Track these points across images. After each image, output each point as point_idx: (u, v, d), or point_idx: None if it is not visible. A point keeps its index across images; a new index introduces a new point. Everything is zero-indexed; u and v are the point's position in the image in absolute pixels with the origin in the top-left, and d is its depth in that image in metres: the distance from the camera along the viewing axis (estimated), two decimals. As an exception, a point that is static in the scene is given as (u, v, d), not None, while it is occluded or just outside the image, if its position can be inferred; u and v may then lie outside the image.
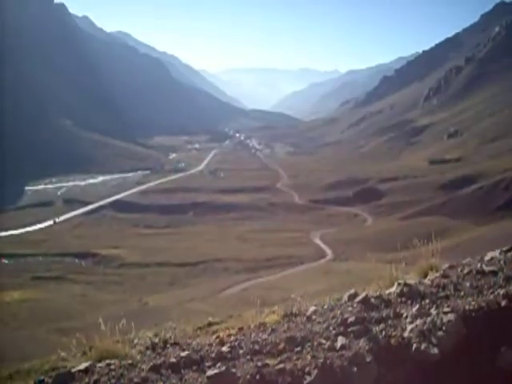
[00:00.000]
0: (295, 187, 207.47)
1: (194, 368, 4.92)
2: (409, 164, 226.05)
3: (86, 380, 4.92)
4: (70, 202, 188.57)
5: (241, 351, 5.15)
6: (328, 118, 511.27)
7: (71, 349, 6.69)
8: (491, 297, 5.83)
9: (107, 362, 5.26)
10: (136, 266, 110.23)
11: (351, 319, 5.55)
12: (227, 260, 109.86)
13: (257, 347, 5.19)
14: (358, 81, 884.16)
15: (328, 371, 4.67)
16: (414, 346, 5.05)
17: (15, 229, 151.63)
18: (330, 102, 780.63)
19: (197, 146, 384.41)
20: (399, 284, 6.42)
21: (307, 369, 4.68)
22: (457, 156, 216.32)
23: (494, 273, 6.67)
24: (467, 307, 5.60)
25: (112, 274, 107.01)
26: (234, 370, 4.69)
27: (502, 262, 7.11)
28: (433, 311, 5.57)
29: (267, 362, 4.82)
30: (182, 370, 4.90)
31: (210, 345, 5.47)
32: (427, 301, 5.94)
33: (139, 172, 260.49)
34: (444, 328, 5.22)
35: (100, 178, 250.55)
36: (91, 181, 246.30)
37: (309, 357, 4.85)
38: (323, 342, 5.15)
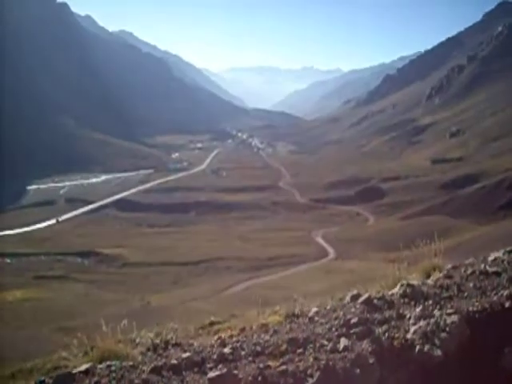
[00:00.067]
0: (297, 186, 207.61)
1: (196, 370, 4.88)
2: (411, 163, 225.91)
3: (87, 381, 4.89)
4: (73, 201, 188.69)
5: (242, 352, 5.11)
6: (330, 117, 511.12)
7: (73, 348, 6.67)
8: (495, 298, 5.79)
9: (108, 363, 5.23)
10: (139, 265, 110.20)
11: (354, 320, 5.51)
12: (229, 259, 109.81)
13: (259, 348, 5.15)
14: (360, 80, 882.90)
15: (330, 373, 4.63)
16: (418, 347, 5.01)
17: (18, 228, 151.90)
18: (332, 101, 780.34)
19: (199, 145, 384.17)
20: (402, 285, 6.39)
21: (309, 371, 4.63)
22: (459, 155, 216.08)
23: (498, 274, 6.64)
24: (471, 308, 5.56)
25: (115, 273, 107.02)
26: (235, 372, 4.65)
27: (505, 263, 7.07)
28: (436, 312, 5.53)
29: (269, 363, 4.78)
30: (183, 372, 4.86)
31: (212, 346, 5.43)
32: (430, 302, 5.91)
33: (142, 171, 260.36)
34: (447, 329, 5.18)
35: (102, 177, 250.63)
36: (93, 180, 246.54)
37: (311, 358, 4.81)
38: (325, 343, 5.11)
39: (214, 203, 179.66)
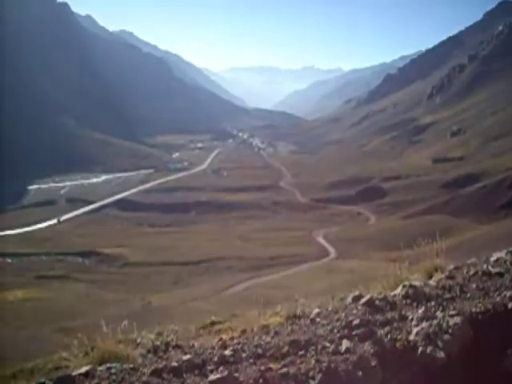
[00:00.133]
0: (298, 186, 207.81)
1: (196, 372, 4.83)
2: (412, 163, 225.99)
3: (87, 384, 4.86)
4: (73, 201, 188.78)
5: (243, 355, 5.06)
6: (331, 117, 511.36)
7: (73, 349, 6.65)
8: (498, 299, 5.74)
9: (108, 365, 5.19)
10: (139, 265, 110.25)
11: (356, 322, 5.46)
12: (230, 259, 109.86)
13: (260, 351, 5.10)
14: (361, 79, 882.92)
15: (332, 375, 4.59)
16: (420, 349, 4.96)
17: (18, 228, 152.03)
18: (332, 101, 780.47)
19: (200, 144, 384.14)
20: (404, 286, 6.34)
21: (311, 373, 4.59)
22: (460, 154, 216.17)
23: (501, 274, 6.59)
24: (473, 310, 5.52)
25: (115, 273, 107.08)
26: (236, 375, 4.61)
27: (508, 263, 7.03)
28: (439, 314, 5.49)
29: (270, 365, 4.73)
30: (184, 375, 4.81)
31: (213, 348, 5.39)
32: (433, 303, 5.86)
33: (142, 171, 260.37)
34: (450, 331, 5.14)
35: (103, 177, 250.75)
36: (94, 180, 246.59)
37: (313, 361, 4.77)
38: (327, 345, 5.07)
39: (214, 203, 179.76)
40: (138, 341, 6.62)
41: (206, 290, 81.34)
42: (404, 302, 6.04)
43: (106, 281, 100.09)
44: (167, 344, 5.84)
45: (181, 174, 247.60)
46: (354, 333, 5.27)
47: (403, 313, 5.68)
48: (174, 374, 4.84)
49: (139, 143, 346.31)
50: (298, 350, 5.04)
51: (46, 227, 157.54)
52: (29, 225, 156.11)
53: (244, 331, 5.97)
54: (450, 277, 6.81)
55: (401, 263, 7.71)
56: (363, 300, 6.10)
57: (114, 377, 4.88)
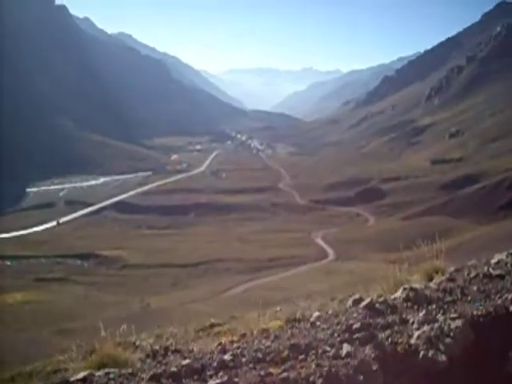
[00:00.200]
0: (297, 187, 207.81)
1: (195, 377, 4.79)
2: (410, 164, 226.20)
3: (85, 389, 4.82)
4: (72, 204, 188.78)
5: (243, 359, 5.02)
6: (329, 119, 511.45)
7: (72, 352, 6.63)
8: (499, 301, 5.71)
9: (106, 370, 5.15)
10: (138, 267, 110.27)
11: (356, 325, 5.42)
12: (229, 261, 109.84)
13: (260, 355, 5.06)
14: (360, 81, 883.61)
15: (333, 380, 4.55)
16: (422, 352, 4.92)
17: (17, 230, 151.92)
18: (331, 102, 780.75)
19: (198, 146, 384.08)
20: (405, 289, 6.31)
21: (312, 378, 4.55)
22: (458, 156, 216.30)
23: (502, 276, 6.57)
24: (475, 312, 5.48)
25: (114, 275, 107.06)
26: (236, 380, 4.57)
27: (509, 265, 7.00)
28: (440, 317, 5.46)
29: (270, 370, 4.69)
30: (183, 380, 4.77)
31: (212, 352, 5.35)
32: (434, 306, 5.83)
33: (140, 173, 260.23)
34: (452, 334, 5.10)
35: (101, 179, 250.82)
36: (93, 182, 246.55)
37: (313, 365, 4.73)
38: (328, 349, 5.02)
39: (213, 205, 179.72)
40: (137, 343, 6.59)
41: (204, 291, 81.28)
42: (405, 305, 6.00)
43: (104, 283, 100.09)
44: (166, 348, 5.80)
45: (179, 176, 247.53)
46: (354, 336, 5.23)
47: (404, 316, 5.64)
48: (173, 380, 4.80)
49: (138, 145, 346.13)
50: (299, 354, 5.00)
51: (45, 230, 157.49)
52: (28, 227, 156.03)
53: (244, 335, 5.93)
54: (451, 279, 6.78)
55: (400, 265, 7.69)
56: (364, 303, 6.06)
57: (112, 382, 4.85)
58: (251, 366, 4.89)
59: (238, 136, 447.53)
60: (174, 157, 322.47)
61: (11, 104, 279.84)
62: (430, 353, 4.90)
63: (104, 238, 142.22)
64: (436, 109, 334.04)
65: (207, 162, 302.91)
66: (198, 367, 4.96)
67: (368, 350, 4.95)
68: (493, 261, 7.43)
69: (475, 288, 6.27)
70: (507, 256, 7.48)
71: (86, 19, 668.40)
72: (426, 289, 6.46)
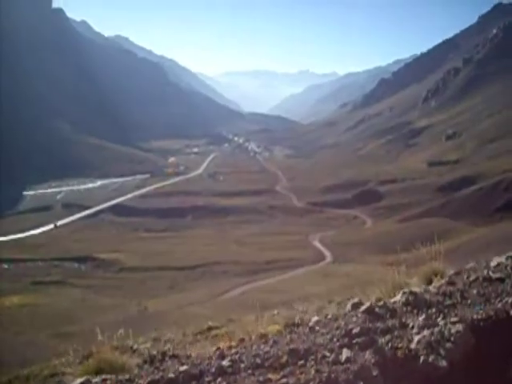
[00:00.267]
0: (294, 190, 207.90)
1: (193, 384, 4.75)
2: (407, 166, 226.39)
3: (81, 396, 4.76)
4: (69, 207, 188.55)
5: (242, 365, 4.96)
6: (326, 121, 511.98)
7: (69, 356, 6.59)
8: (499, 305, 5.66)
9: (103, 376, 5.09)
10: (135, 270, 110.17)
11: (356, 330, 5.37)
12: (226, 263, 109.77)
13: (258, 361, 5.00)
14: (356, 83, 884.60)
15: (333, 386, 4.50)
16: (422, 357, 4.87)
17: (14, 233, 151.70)
18: (328, 105, 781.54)
19: (195, 149, 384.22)
20: (404, 292, 6.25)
21: (311, 383, 4.51)
22: (455, 158, 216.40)
23: (502, 280, 6.52)
24: (475, 316, 5.43)
25: (111, 278, 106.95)
26: (234, 386, 4.52)
27: (509, 269, 6.95)
28: (440, 321, 5.40)
29: (269, 376, 4.64)
30: (181, 386, 4.73)
31: (210, 358, 5.29)
32: (434, 310, 5.77)
33: (138, 176, 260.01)
34: (452, 339, 5.05)
35: (99, 182, 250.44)
36: (90, 185, 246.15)
37: (312, 371, 4.67)
38: (327, 354, 4.97)
39: (210, 207, 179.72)
40: (135, 347, 6.54)
41: (202, 294, 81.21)
42: (404, 309, 5.95)
43: (102, 286, 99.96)
44: (164, 353, 5.75)
45: (177, 179, 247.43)
46: (354, 341, 5.18)
47: (404, 320, 5.59)
48: (171, 386, 4.75)
49: (135, 148, 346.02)
50: (298, 359, 4.95)
51: (42, 233, 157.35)
52: (25, 230, 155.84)
53: (242, 340, 5.88)
54: (451, 283, 6.73)
55: (398, 267, 7.65)
56: (363, 307, 6.01)
57: (109, 388, 4.80)
58: (250, 372, 4.83)
59: (235, 139, 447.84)
60: (172, 159, 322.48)
61: (9, 107, 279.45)
62: (431, 358, 4.85)
63: (101, 240, 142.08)
64: (433, 111, 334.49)
65: (204, 164, 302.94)
66: (196, 373, 4.90)
67: (368, 355, 4.90)
68: (492, 264, 7.38)
69: (475, 291, 6.23)
70: (507, 259, 7.43)
71: (83, 22, 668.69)
72: (426, 292, 6.41)
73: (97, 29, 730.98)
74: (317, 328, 5.78)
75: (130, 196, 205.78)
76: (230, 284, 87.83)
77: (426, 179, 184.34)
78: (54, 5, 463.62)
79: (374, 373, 4.66)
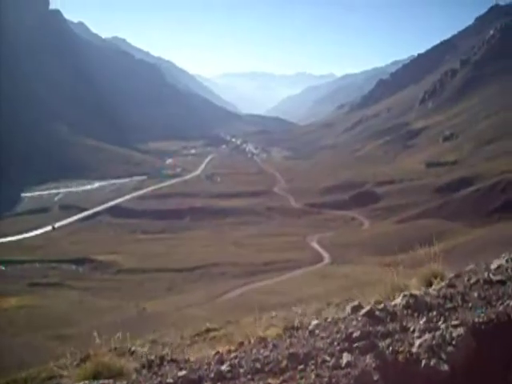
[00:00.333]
0: (292, 191, 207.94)
1: (193, 389, 4.69)
2: (405, 167, 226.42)
3: (79, 401, 4.71)
4: (67, 209, 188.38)
5: (241, 370, 4.90)
6: (324, 122, 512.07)
7: (67, 359, 6.55)
8: (500, 308, 5.62)
9: (101, 381, 5.04)
10: (133, 272, 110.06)
11: (356, 334, 5.31)
12: (224, 265, 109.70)
13: (258, 365, 4.94)
14: (354, 84, 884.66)
15: (333, 391, 4.45)
16: (423, 362, 4.82)
17: (12, 235, 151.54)
18: (325, 106, 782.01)
19: (193, 150, 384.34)
20: (405, 295, 6.20)
21: (311, 389, 4.45)
22: (453, 159, 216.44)
23: (503, 282, 6.47)
24: (476, 320, 5.39)
25: (109, 280, 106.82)
26: (234, 391, 4.47)
27: (509, 271, 6.91)
28: (441, 324, 5.35)
29: (269, 381, 4.58)
30: (180, 392, 4.67)
31: (209, 363, 5.23)
32: (434, 313, 5.73)
33: (135, 177, 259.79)
34: (454, 343, 5.00)
35: (96, 184, 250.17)
36: (88, 187, 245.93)
37: (313, 375, 4.62)
38: (327, 358, 4.91)
39: (208, 209, 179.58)
40: (133, 349, 6.50)
41: (200, 296, 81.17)
42: (405, 312, 5.90)
43: (99, 288, 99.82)
44: (162, 358, 5.68)
45: (174, 181, 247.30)
46: (354, 345, 5.12)
47: (404, 324, 5.54)
48: (170, 391, 4.69)
49: (132, 150, 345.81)
50: (298, 364, 4.89)
51: (40, 234, 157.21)
52: (22, 232, 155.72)
53: (241, 344, 5.82)
54: (451, 285, 6.69)
55: (396, 268, 7.60)
56: (363, 311, 5.95)
57: (106, 394, 4.74)
58: (249, 376, 4.77)
59: (233, 140, 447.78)
60: (169, 161, 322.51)
61: (8, 109, 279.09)
62: (432, 362, 4.80)
63: (99, 242, 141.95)
64: (430, 112, 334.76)
65: (202, 166, 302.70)
66: (194, 378, 4.84)
67: (369, 359, 4.84)
68: (493, 266, 7.34)
69: (476, 294, 6.18)
70: (507, 261, 7.39)
71: (81, 24, 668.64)
72: (426, 295, 6.36)
73: (94, 30, 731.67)
74: (317, 331, 5.72)
75: (127, 197, 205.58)
76: (228, 285, 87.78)
77: (423, 180, 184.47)
78: (51, 6, 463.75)
79: (375, 377, 4.60)
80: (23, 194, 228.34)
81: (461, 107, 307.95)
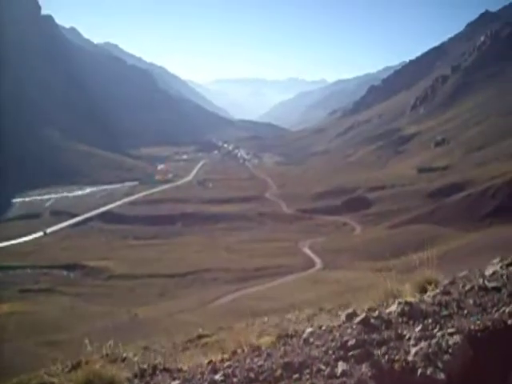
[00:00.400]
0: (284, 197, 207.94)
1: (186, 400, 4.62)
2: (397, 172, 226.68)
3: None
4: (58, 214, 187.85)
5: (235, 379, 4.83)
6: (316, 128, 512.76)
7: (57, 366, 6.48)
8: (496, 315, 5.58)
9: (92, 391, 4.97)
10: (125, 278, 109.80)
11: (351, 342, 5.25)
12: (216, 270, 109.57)
13: (252, 375, 4.87)
14: (346, 90, 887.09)
15: (329, 400, 4.38)
16: (420, 370, 4.76)
17: (3, 241, 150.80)
18: (317, 112, 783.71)
19: (185, 156, 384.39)
20: (400, 303, 6.14)
21: (306, 398, 4.38)
22: (444, 164, 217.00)
23: (498, 289, 6.43)
24: (472, 327, 5.33)
25: (101, 286, 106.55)
26: (228, 402, 4.39)
27: (504, 277, 6.86)
28: (437, 332, 5.30)
29: (264, 391, 4.52)
30: (173, 402, 4.60)
31: (202, 373, 5.16)
32: (430, 320, 5.67)
33: (127, 183, 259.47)
34: (450, 351, 4.94)
35: (88, 190, 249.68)
36: (79, 192, 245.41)
37: (308, 385, 4.56)
38: (322, 367, 4.85)
39: (200, 214, 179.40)
40: (124, 355, 6.42)
41: (192, 302, 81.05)
42: (400, 319, 5.84)
43: (91, 294, 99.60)
44: (154, 367, 5.60)
45: (166, 186, 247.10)
46: (350, 354, 5.06)
47: (400, 331, 5.48)
48: (162, 402, 4.62)
49: (124, 155, 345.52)
50: (292, 373, 4.82)
51: (31, 240, 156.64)
52: (13, 238, 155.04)
53: (235, 352, 5.74)
54: (446, 292, 6.64)
55: (387, 273, 7.56)
56: (358, 319, 5.88)
57: (98, 404, 4.67)
58: (243, 386, 4.71)
59: (225, 146, 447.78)
60: (161, 166, 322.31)
61: (0, 114, 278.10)
62: (429, 370, 4.74)
63: (90, 248, 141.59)
64: (422, 118, 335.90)
65: (194, 171, 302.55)
66: (188, 388, 4.77)
67: (364, 368, 4.78)
68: (487, 273, 7.29)
69: (471, 301, 6.14)
70: (502, 268, 7.35)
71: (73, 29, 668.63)
72: (421, 303, 6.30)
73: (86, 36, 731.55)
74: (311, 340, 5.65)
75: (119, 203, 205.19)
76: (220, 291, 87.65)
77: (415, 185, 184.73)
78: (43, 12, 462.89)
79: (371, 386, 4.54)
80: (14, 200, 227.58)
81: (452, 113, 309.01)
